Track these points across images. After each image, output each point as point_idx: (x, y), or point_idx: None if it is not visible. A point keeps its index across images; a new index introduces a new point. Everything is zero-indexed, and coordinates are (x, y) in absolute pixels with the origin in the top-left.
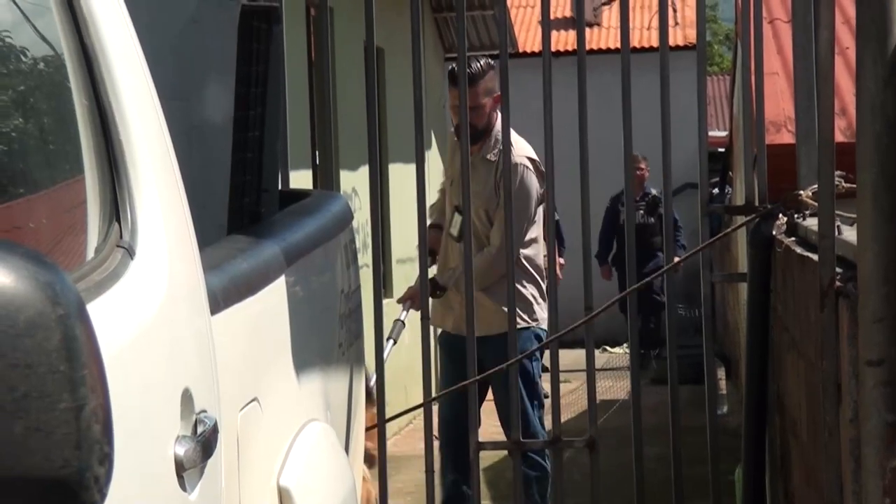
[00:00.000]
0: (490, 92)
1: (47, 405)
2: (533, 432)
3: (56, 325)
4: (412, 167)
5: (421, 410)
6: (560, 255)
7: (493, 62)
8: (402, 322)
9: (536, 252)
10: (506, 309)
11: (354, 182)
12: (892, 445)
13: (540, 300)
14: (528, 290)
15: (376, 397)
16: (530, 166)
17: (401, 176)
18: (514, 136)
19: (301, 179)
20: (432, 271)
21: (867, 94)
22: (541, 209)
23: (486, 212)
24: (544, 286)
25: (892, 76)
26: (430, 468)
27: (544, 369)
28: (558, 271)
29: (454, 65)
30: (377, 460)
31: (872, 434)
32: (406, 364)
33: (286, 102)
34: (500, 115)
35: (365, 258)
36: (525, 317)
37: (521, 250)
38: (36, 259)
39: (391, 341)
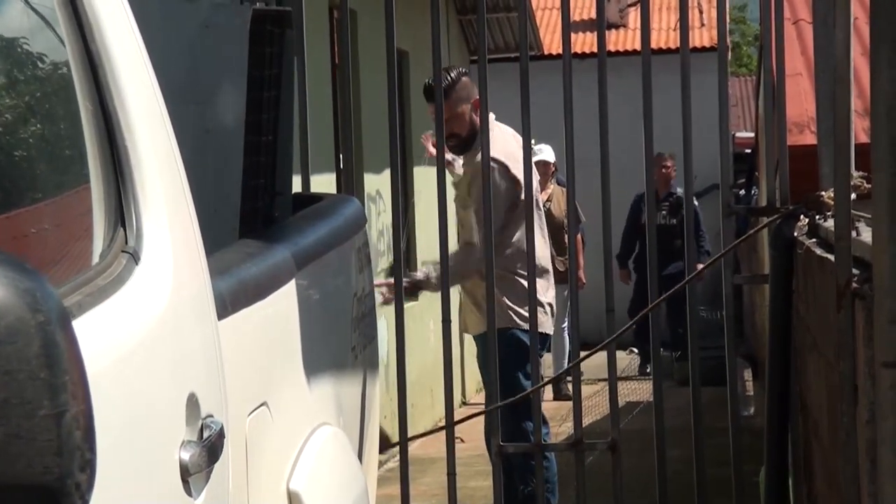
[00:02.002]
0: (466, 99)
1: (27, 412)
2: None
3: (36, 331)
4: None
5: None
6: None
7: (464, 69)
8: None
9: (516, 250)
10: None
11: (379, 185)
12: None
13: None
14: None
15: (398, 400)
16: (495, 166)
17: (426, 179)
18: (497, 130)
19: (324, 183)
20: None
21: (882, 97)
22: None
23: (459, 215)
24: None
25: None
26: (451, 470)
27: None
28: (581, 275)
29: (428, 80)
30: (399, 464)
31: (889, 435)
32: (432, 366)
33: (306, 105)
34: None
35: (388, 261)
36: (514, 315)
37: (506, 250)
38: (16, 266)
39: None
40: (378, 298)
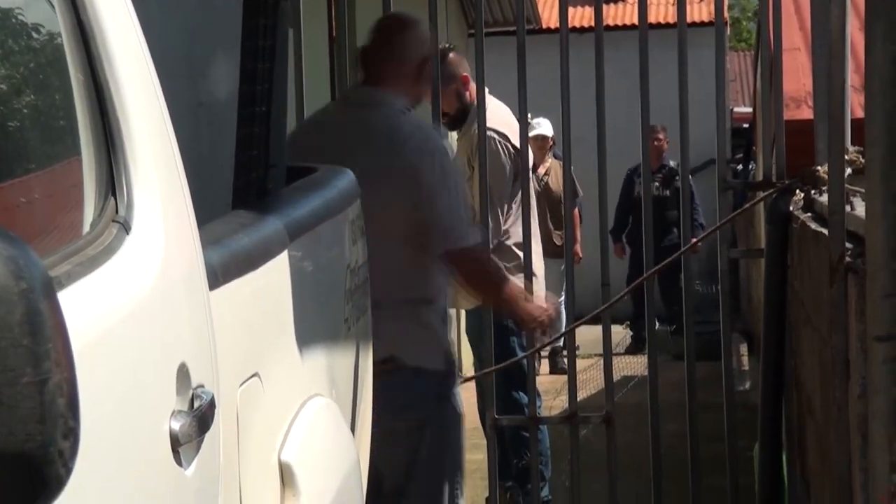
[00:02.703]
0: (453, 76)
1: (10, 379)
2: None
3: (19, 299)
4: None
5: None
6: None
7: (451, 45)
8: None
9: (516, 220)
10: None
11: None
12: None
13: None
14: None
15: None
16: (496, 136)
17: None
18: (492, 104)
19: None
20: None
21: (876, 71)
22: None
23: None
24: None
25: None
26: None
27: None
28: (578, 250)
29: None
30: None
31: (880, 410)
32: None
33: (303, 78)
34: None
35: None
36: None
37: (508, 220)
38: None
39: None
40: None
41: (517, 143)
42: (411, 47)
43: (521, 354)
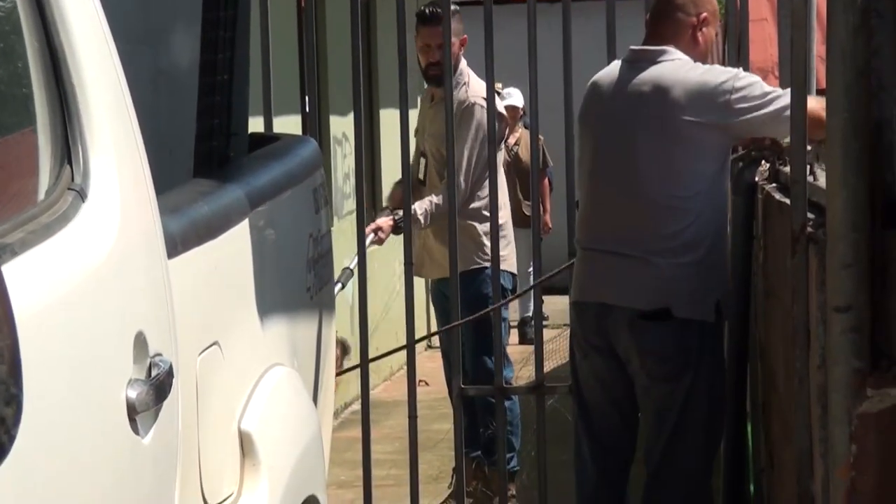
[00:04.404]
0: (457, 33)
1: None
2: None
3: None
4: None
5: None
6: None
7: (457, 7)
8: (350, 270)
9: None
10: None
11: (345, 127)
12: (859, 392)
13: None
14: (481, 229)
15: (360, 339)
16: (481, 105)
17: (392, 122)
18: (473, 77)
19: (290, 125)
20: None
21: (837, 42)
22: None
23: (442, 153)
24: (506, 225)
25: (862, 24)
26: (412, 413)
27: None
28: (547, 220)
29: (425, 7)
30: (361, 407)
31: (839, 381)
32: (397, 311)
33: (269, 46)
34: (463, 58)
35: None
36: (479, 256)
37: (478, 192)
38: None
39: (339, 285)
40: (369, 237)
41: (501, 109)
42: None
43: (496, 323)
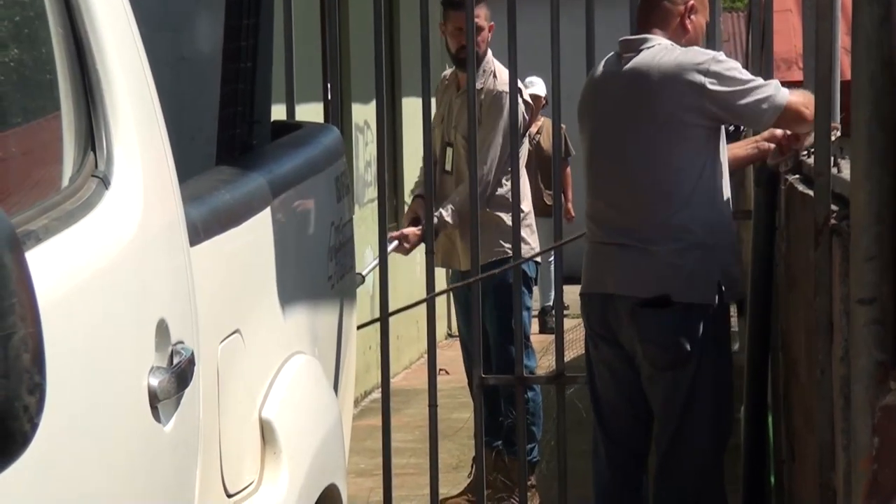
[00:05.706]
0: (487, 19)
1: None
2: (505, 368)
3: None
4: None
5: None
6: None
7: None
8: (363, 276)
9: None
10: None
11: (366, 115)
12: (882, 384)
13: (526, 228)
14: (507, 219)
15: (381, 332)
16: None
17: (414, 110)
18: (499, 67)
19: (312, 113)
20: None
21: (863, 33)
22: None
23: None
24: (529, 214)
25: (888, 15)
26: (433, 402)
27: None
28: (570, 208)
29: None
30: (381, 395)
31: (862, 372)
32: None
33: (292, 33)
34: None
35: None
36: (507, 247)
37: (504, 179)
38: None
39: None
40: (393, 244)
41: (527, 97)
42: None
43: (524, 314)
